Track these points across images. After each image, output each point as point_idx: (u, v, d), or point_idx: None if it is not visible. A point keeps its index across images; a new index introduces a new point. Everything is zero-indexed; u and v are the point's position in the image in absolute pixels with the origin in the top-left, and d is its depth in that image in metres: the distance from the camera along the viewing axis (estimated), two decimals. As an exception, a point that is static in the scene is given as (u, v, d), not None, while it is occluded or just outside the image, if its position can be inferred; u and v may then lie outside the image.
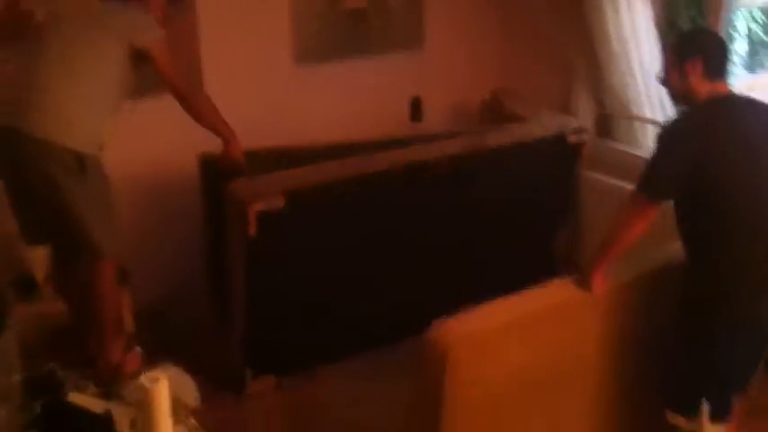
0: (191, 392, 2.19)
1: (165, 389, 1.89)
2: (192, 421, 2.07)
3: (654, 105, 3.71)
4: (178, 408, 2.02)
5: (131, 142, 3.49)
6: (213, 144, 3.36)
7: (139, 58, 2.83)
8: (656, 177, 2.37)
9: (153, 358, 2.64)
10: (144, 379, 1.89)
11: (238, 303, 3.08)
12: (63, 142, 2.67)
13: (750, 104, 2.48)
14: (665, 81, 2.50)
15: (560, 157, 3.59)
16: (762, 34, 5.21)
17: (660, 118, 3.68)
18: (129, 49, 2.79)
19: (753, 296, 2.37)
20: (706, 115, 2.39)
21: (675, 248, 2.48)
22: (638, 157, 3.67)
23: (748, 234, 2.34)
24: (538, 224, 3.70)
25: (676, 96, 2.53)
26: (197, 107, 2.98)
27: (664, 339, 2.49)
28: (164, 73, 2.88)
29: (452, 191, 3.35)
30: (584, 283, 2.48)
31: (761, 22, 5.28)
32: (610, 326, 2.55)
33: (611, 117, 3.96)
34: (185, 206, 3.49)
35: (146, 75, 3.40)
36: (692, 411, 2.42)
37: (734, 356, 2.39)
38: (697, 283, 2.41)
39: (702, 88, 2.39)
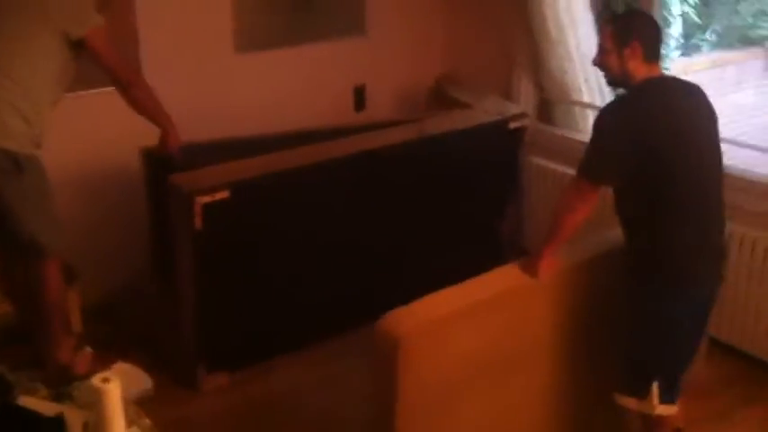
0: (144, 383, 2.16)
1: (116, 389, 1.89)
2: (147, 421, 2.05)
3: (592, 90, 3.80)
4: (130, 408, 2.02)
5: (73, 136, 3.45)
6: (155, 138, 3.34)
7: (79, 46, 2.76)
8: (596, 161, 2.42)
9: (104, 356, 2.63)
10: (95, 380, 1.90)
11: (187, 297, 3.06)
12: None
13: (684, 85, 2.54)
14: (602, 65, 2.52)
15: (503, 143, 3.65)
16: (695, 17, 5.34)
17: (599, 102, 3.77)
18: (65, 40, 2.72)
19: (691, 261, 2.45)
20: (643, 97, 2.43)
21: (618, 233, 2.55)
22: (578, 141, 3.76)
23: (686, 209, 2.41)
24: (483, 209, 3.76)
25: (613, 80, 2.55)
26: (136, 96, 2.93)
27: (612, 322, 2.56)
28: (103, 61, 2.81)
29: (397, 178, 3.38)
30: (531, 267, 2.53)
31: (694, 4, 5.41)
32: (558, 310, 2.60)
33: (552, 102, 4.03)
34: (130, 200, 3.45)
35: (87, 66, 3.37)
36: (642, 392, 2.49)
37: (681, 325, 2.46)
38: (639, 261, 2.47)
39: (640, 71, 2.43)
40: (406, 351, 2.27)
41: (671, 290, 2.44)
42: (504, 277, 2.58)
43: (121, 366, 2.84)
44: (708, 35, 5.79)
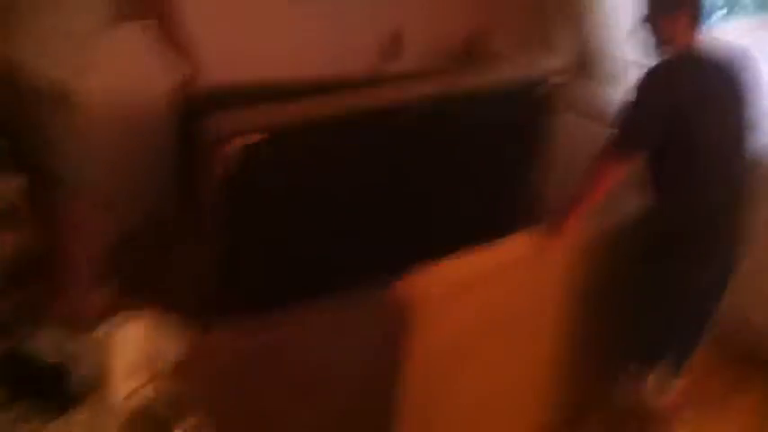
0: (171, 345, 2.11)
1: (126, 340, 1.82)
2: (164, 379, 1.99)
3: (637, 47, 3.67)
4: (151, 362, 1.97)
5: (106, 71, 3.40)
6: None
7: None
8: (631, 127, 2.37)
9: (124, 295, 2.60)
10: (104, 327, 1.82)
11: (209, 239, 3.05)
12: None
13: (721, 58, 2.48)
14: (651, 26, 2.48)
15: (540, 99, 3.55)
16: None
17: (642, 59, 3.66)
18: None
19: (717, 234, 2.45)
20: (683, 66, 2.42)
21: (633, 203, 2.49)
22: (619, 100, 3.67)
23: (717, 178, 2.42)
24: (513, 167, 3.69)
25: (658, 43, 2.52)
26: (171, 29, 2.88)
27: (625, 296, 2.52)
28: None
29: (426, 133, 3.31)
30: (555, 227, 2.48)
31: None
32: (574, 279, 2.57)
33: (594, 57, 3.92)
34: (158, 140, 3.42)
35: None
36: (653, 365, 2.47)
37: (706, 293, 2.43)
38: (666, 223, 2.43)
39: (684, 38, 2.42)
40: (415, 314, 2.24)
41: (699, 256, 2.39)
42: (519, 244, 2.53)
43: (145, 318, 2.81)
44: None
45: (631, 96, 2.40)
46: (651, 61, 2.52)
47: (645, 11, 2.53)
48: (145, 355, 1.90)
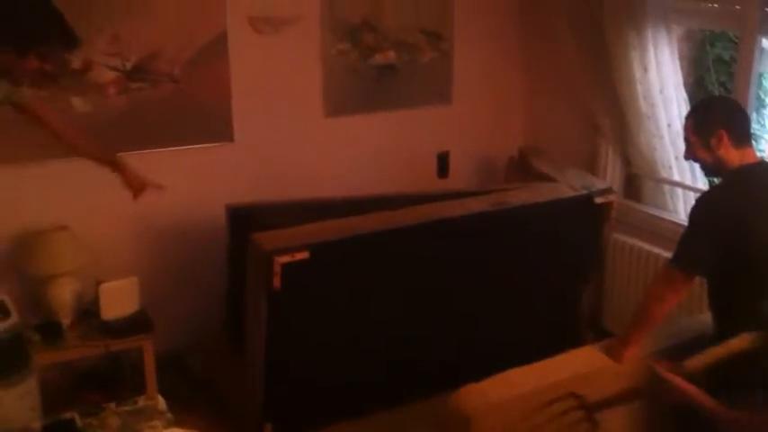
0: None
1: None
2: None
3: (683, 168, 3.69)
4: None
5: (160, 191, 3.55)
6: (241, 196, 3.41)
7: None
8: (689, 252, 2.36)
9: (173, 407, 2.62)
10: None
11: (258, 355, 3.06)
12: None
13: None
14: (693, 157, 2.49)
15: (587, 218, 3.56)
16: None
17: (689, 182, 3.67)
18: None
19: None
20: (737, 187, 2.38)
21: (703, 319, 2.45)
22: (666, 220, 3.66)
23: None
24: (563, 285, 3.67)
25: (708, 170, 2.52)
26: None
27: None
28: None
29: (477, 249, 3.32)
30: (615, 353, 2.45)
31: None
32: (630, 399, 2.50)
33: (640, 178, 3.94)
34: (211, 255, 3.52)
35: (179, 123, 3.48)
36: None
37: None
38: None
39: (732, 156, 2.39)
40: (476, 429, 2.21)
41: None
42: (583, 359, 2.49)
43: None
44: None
45: (688, 222, 2.40)
46: (706, 185, 2.51)
47: (685, 143, 2.51)
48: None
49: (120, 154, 2.99)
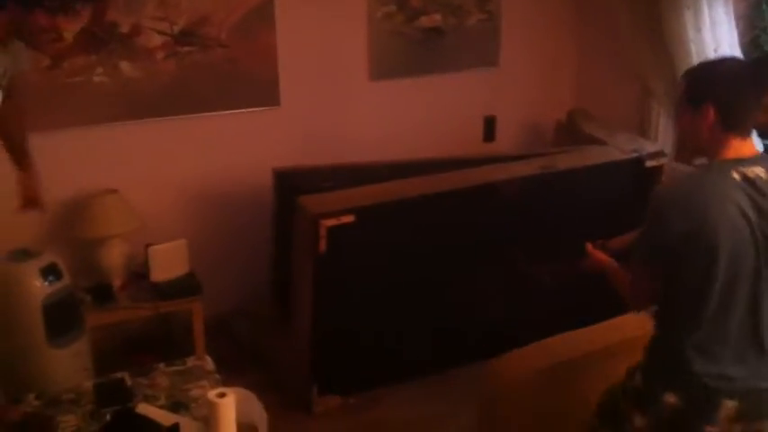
0: (259, 415, 2.19)
1: (231, 405, 1.92)
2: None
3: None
4: (245, 429, 2.03)
5: (211, 153, 3.58)
6: (287, 160, 3.42)
7: None
8: (645, 245, 1.95)
9: (221, 371, 2.66)
10: (211, 395, 1.94)
11: (304, 319, 3.09)
12: None
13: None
14: (677, 129, 2.08)
15: (637, 182, 3.50)
16: None
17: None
18: None
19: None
20: (705, 183, 1.85)
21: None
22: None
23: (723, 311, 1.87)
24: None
25: (687, 147, 1.97)
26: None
27: None
28: None
29: (523, 213, 3.30)
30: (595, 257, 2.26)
31: None
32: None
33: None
34: (258, 219, 3.54)
35: (228, 87, 3.49)
36: None
37: None
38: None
39: (717, 145, 1.85)
40: (514, 396, 2.20)
41: None
42: (624, 326, 2.46)
43: (239, 391, 2.87)
44: None
45: (646, 216, 1.89)
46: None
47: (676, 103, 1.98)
48: (240, 425, 1.97)
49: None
